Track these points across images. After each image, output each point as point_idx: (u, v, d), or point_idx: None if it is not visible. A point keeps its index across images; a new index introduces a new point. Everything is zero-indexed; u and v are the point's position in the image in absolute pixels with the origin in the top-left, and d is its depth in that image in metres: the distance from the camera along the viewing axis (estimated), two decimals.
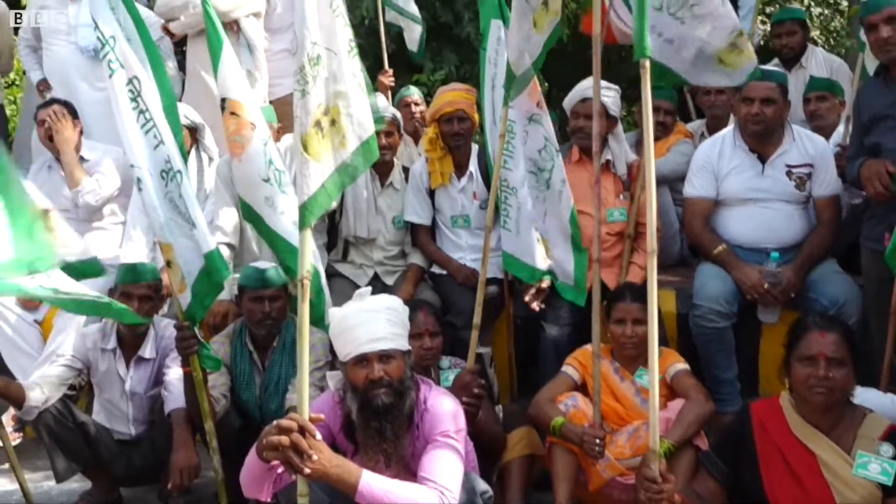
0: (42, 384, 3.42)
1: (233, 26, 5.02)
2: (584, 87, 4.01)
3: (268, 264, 3.60)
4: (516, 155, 3.70)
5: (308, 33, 2.42)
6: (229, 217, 4.13)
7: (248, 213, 3.53)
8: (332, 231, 4.39)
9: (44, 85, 5.30)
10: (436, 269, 4.30)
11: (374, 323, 2.51)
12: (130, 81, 2.93)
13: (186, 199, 3.02)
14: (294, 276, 3.29)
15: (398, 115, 4.42)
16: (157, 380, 3.62)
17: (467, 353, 3.33)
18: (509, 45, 3.39)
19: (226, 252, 4.09)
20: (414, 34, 6.36)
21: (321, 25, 2.46)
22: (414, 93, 5.70)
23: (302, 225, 2.29)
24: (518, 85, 3.40)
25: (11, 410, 3.88)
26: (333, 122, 2.46)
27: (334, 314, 2.63)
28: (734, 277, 3.71)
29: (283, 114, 4.29)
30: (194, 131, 4.42)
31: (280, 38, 5.32)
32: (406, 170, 4.45)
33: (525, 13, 3.27)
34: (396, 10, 6.26)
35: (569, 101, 4.13)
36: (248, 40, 5.13)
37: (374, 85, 5.80)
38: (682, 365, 3.30)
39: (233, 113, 3.33)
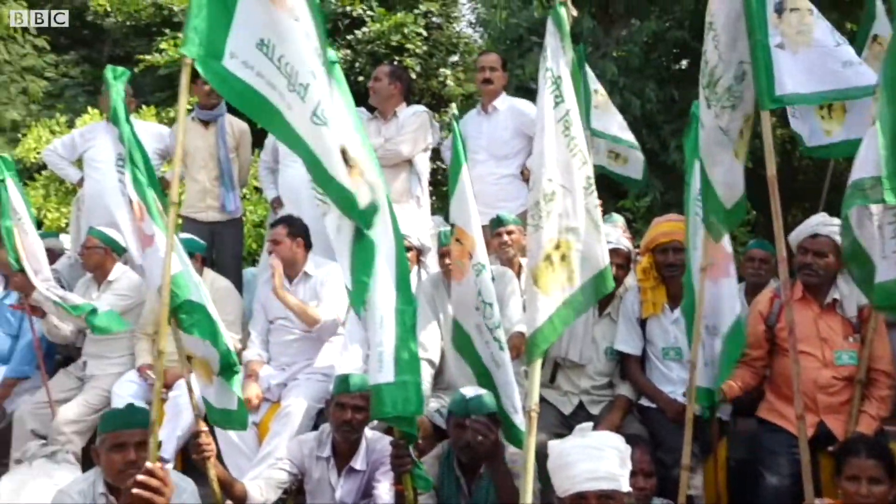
0: (262, 486, 3.59)
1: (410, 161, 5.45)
2: (815, 222, 3.86)
3: (475, 391, 3.49)
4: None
5: (545, 170, 2.52)
6: (432, 334, 4.23)
7: (460, 335, 3.60)
8: None
9: (277, 203, 5.74)
10: (644, 402, 4.18)
11: (594, 460, 2.45)
12: None
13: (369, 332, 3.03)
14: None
15: (630, 247, 4.41)
16: (366, 492, 3.68)
17: (677, 493, 3.19)
18: (714, 178, 3.28)
19: (427, 369, 4.17)
20: (636, 164, 5.92)
21: (558, 162, 2.56)
22: (617, 220, 5.69)
23: (530, 357, 2.32)
24: (731, 218, 3.31)
25: None
26: (563, 258, 2.51)
27: (553, 447, 2.60)
28: None
29: None
30: (420, 252, 4.64)
31: (507, 163, 5.56)
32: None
33: (723, 144, 3.20)
34: (611, 139, 5.81)
35: (797, 236, 3.94)
36: (418, 172, 5.52)
37: None
38: None
39: (457, 240, 3.47)
